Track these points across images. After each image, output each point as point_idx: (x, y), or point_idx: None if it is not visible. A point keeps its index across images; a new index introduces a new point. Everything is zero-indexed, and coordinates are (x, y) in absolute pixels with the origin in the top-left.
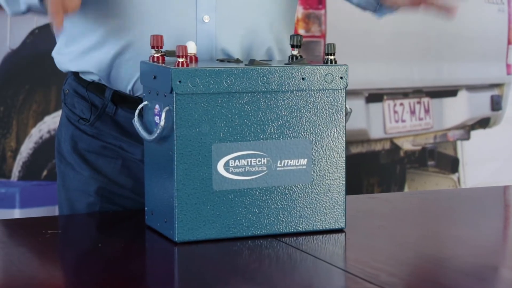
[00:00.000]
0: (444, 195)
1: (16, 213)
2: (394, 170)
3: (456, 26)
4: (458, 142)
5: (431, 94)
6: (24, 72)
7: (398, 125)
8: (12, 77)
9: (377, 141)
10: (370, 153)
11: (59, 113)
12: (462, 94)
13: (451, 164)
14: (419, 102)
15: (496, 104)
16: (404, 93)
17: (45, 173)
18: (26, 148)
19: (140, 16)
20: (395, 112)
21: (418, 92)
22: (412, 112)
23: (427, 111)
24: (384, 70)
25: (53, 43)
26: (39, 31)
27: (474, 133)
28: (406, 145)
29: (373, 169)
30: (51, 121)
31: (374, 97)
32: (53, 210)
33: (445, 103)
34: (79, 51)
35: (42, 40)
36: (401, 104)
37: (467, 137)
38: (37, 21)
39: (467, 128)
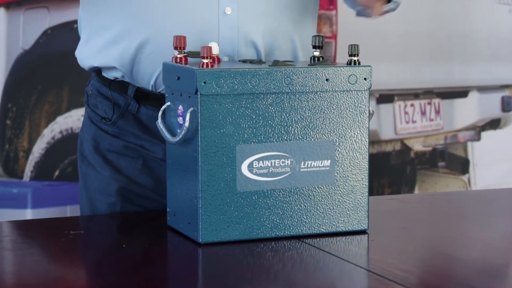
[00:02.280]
0: (464, 197)
1: (28, 213)
2: (405, 171)
3: (467, 27)
4: (469, 143)
5: (442, 95)
6: (37, 72)
7: (409, 126)
8: (24, 77)
9: (388, 142)
10: (380, 154)
11: (71, 114)
12: (473, 95)
13: (461, 165)
14: (429, 103)
15: (507, 105)
16: (414, 94)
17: (57, 173)
18: (38, 149)
19: (162, 8)
20: (406, 113)
21: (428, 93)
22: (423, 113)
23: (437, 112)
24: (395, 71)
25: (66, 43)
26: (52, 31)
27: (485, 134)
28: (417, 146)
29: (383, 170)
30: (63, 122)
31: (385, 98)
32: (65, 211)
33: (455, 104)
34: (101, 45)
35: (54, 40)
36: (412, 105)
37: (477, 138)
38: (49, 21)
39: (478, 129)
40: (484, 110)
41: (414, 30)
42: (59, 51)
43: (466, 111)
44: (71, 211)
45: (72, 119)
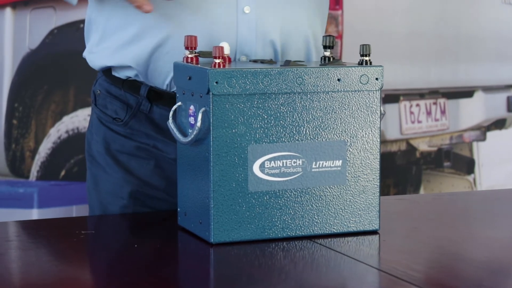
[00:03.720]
0: (474, 197)
1: (34, 213)
2: (410, 171)
3: (473, 27)
4: (474, 143)
5: (447, 95)
6: (43, 72)
7: (414, 126)
8: (30, 77)
9: (393, 142)
10: (386, 154)
11: (77, 113)
12: (478, 95)
13: (467, 165)
14: (435, 103)
15: None
16: (420, 94)
17: (63, 173)
18: (45, 148)
19: (180, 7)
20: (411, 113)
21: (434, 93)
22: (428, 113)
23: (443, 112)
24: (401, 71)
25: (72, 43)
26: (58, 31)
27: (490, 134)
28: (422, 146)
29: (389, 170)
30: (70, 121)
31: (390, 97)
32: (71, 210)
33: (461, 104)
34: (116, 45)
35: (61, 40)
36: (417, 105)
37: (483, 138)
38: (56, 21)
39: (483, 129)
40: (490, 110)
41: (419, 30)
42: (66, 51)
43: (472, 111)
44: (77, 211)
45: (78, 119)
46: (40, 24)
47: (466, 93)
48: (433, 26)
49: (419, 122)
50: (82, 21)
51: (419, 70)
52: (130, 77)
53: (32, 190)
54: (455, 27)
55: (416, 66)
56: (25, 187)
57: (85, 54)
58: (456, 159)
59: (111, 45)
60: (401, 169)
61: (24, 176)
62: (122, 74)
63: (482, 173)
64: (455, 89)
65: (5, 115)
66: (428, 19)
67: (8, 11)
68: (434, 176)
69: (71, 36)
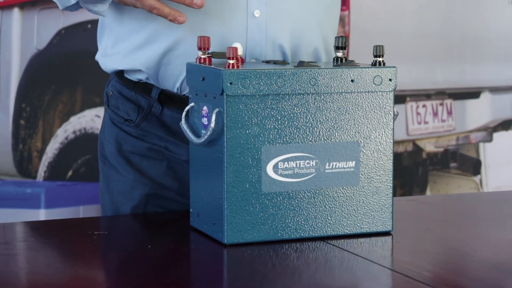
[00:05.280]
0: (483, 198)
1: (42, 214)
2: (417, 172)
3: (479, 28)
4: (481, 144)
5: (454, 96)
6: (50, 73)
7: (421, 126)
8: (38, 78)
9: (400, 142)
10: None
11: (84, 114)
12: (485, 96)
13: (473, 166)
14: (441, 104)
15: None
16: (426, 95)
17: (70, 173)
18: (52, 149)
19: (189, 11)
20: (418, 113)
21: (440, 94)
22: (435, 114)
23: (449, 112)
24: (407, 71)
25: (80, 43)
26: (66, 31)
27: (497, 135)
28: (429, 147)
29: (395, 171)
30: (77, 122)
31: (397, 98)
32: (78, 211)
33: (467, 105)
34: (128, 49)
35: (68, 40)
36: (424, 105)
37: (489, 139)
38: (63, 21)
39: (490, 130)
40: (496, 111)
41: (426, 30)
42: (73, 51)
43: (478, 112)
44: (84, 211)
45: (86, 119)
46: (48, 25)
47: (473, 93)
48: (439, 27)
49: (426, 123)
50: (90, 22)
51: (425, 71)
52: (142, 80)
53: (39, 190)
54: (461, 28)
55: (423, 66)
56: (32, 188)
57: (98, 57)
58: (463, 160)
59: (123, 49)
60: (408, 170)
61: (31, 177)
62: (133, 77)
63: (489, 174)
64: (462, 89)
65: (12, 116)
66: (434, 20)
67: (16, 11)
68: (441, 177)
69: (78, 37)
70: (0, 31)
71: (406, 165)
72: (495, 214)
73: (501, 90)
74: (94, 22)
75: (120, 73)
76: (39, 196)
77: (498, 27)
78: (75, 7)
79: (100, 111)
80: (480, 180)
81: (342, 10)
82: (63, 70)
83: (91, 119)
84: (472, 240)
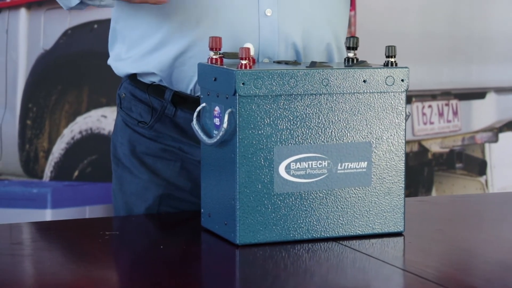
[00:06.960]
0: (493, 199)
1: (48, 214)
2: (422, 173)
3: (485, 28)
4: (486, 145)
5: (460, 96)
6: (57, 73)
7: (426, 127)
8: (44, 78)
9: (405, 143)
10: None
11: (90, 114)
12: (491, 97)
13: (478, 167)
14: (447, 104)
15: None
16: (432, 95)
17: (76, 173)
18: (58, 149)
19: (202, 13)
20: (424, 114)
21: (446, 94)
22: (441, 114)
23: (455, 113)
24: (413, 71)
25: (86, 44)
26: (72, 31)
27: (502, 136)
28: (434, 147)
29: None
30: (83, 122)
31: None
32: (84, 211)
33: (473, 105)
34: (141, 53)
35: (75, 40)
36: (430, 106)
37: (495, 140)
38: (70, 21)
39: (495, 131)
40: (502, 112)
41: (432, 31)
42: (80, 51)
43: (484, 113)
44: (90, 211)
45: (92, 120)
46: (54, 25)
47: (479, 94)
48: (445, 27)
49: (431, 123)
50: (96, 22)
51: (431, 71)
52: (155, 82)
53: (46, 190)
54: (467, 28)
55: (428, 67)
56: (39, 188)
57: (110, 62)
58: (468, 161)
59: (136, 53)
60: (413, 171)
61: (37, 177)
62: (147, 79)
63: (494, 174)
64: (468, 90)
65: (19, 116)
66: (440, 20)
67: (22, 11)
68: (446, 178)
69: (85, 37)
70: (7, 31)
71: (412, 165)
72: (508, 214)
73: (507, 91)
74: (101, 23)
75: (132, 76)
76: (46, 196)
77: (504, 27)
78: (81, 6)
79: (106, 111)
80: (486, 181)
81: None
82: (70, 70)
83: (97, 119)
84: (482, 240)
